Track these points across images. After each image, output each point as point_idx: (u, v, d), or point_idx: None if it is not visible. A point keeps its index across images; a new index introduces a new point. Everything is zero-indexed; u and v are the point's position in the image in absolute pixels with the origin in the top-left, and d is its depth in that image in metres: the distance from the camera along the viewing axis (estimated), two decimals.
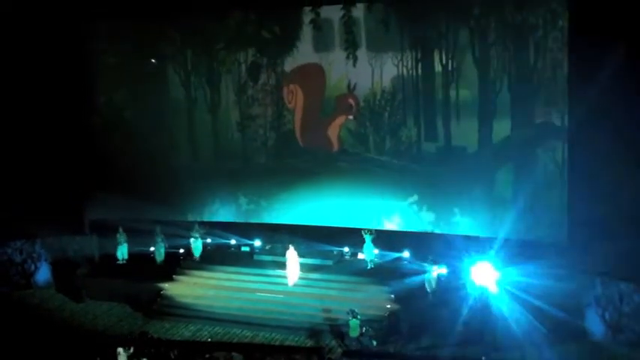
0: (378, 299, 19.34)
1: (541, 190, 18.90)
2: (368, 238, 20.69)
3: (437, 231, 20.57)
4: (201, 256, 22.32)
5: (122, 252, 22.40)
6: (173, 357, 16.41)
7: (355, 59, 20.76)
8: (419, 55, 20.24)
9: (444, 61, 19.90)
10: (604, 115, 16.82)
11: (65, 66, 22.50)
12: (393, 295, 19.23)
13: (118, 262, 22.38)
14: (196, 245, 22.24)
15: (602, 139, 17.05)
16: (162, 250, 22.31)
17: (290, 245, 20.45)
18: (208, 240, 22.84)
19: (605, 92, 16.62)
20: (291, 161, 22.39)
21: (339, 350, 17.20)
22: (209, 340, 18.44)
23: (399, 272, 19.93)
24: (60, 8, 22.12)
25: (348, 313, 17.91)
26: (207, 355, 16.54)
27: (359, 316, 17.84)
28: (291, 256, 20.27)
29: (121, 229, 22.33)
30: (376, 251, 20.81)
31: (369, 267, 20.62)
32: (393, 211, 21.08)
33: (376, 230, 20.95)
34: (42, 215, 21.82)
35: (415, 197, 20.78)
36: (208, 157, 23.34)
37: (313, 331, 18.54)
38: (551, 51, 18.43)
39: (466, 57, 19.62)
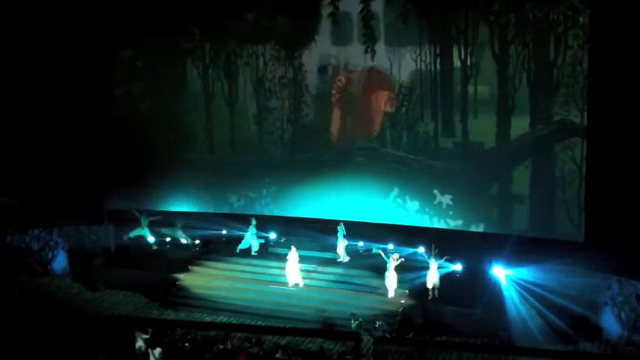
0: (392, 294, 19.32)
1: (559, 188, 18.80)
2: (340, 230, 20.76)
3: (451, 227, 20.51)
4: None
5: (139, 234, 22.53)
6: (186, 346, 16.51)
7: (373, 53, 20.79)
8: (437, 50, 20.19)
9: (462, 57, 19.83)
10: (623, 113, 16.64)
11: (83, 59, 22.65)
12: (407, 290, 19.21)
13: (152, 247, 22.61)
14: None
15: (621, 137, 16.90)
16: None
17: (292, 246, 20.47)
18: (224, 232, 22.91)
19: (625, 90, 16.46)
20: (307, 155, 22.42)
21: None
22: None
23: (414, 267, 19.83)
24: (78, 2, 22.31)
25: (350, 317, 17.94)
26: (221, 346, 16.61)
27: (360, 319, 17.87)
28: (292, 257, 20.22)
29: (145, 215, 22.46)
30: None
31: (338, 260, 20.77)
32: (405, 207, 21.07)
33: (396, 225, 21.07)
34: (60, 205, 22.04)
35: (428, 194, 20.76)
36: (225, 149, 23.42)
37: (326, 324, 18.55)
38: (571, 48, 18.27)
39: (485, 52, 19.53)
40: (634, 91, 16.49)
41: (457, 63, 19.94)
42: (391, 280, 19.01)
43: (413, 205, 20.93)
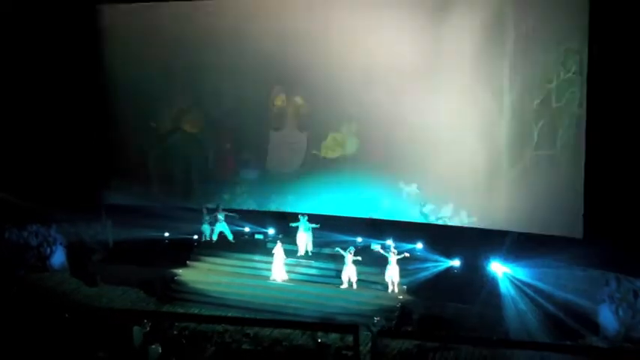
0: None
1: (557, 185, 18.77)
2: (303, 220, 20.97)
3: (450, 223, 20.54)
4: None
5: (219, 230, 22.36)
6: (184, 341, 16.53)
7: None
8: None
9: None
10: (622, 111, 16.62)
11: (82, 55, 22.64)
12: (405, 286, 19.24)
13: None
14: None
15: (620, 134, 16.87)
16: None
17: (278, 240, 20.69)
18: None
19: (625, 89, 16.43)
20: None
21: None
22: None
23: (412, 263, 19.84)
24: None
25: None
26: (218, 340, 16.65)
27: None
28: (278, 251, 20.38)
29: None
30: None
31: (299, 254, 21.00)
32: (404, 202, 21.13)
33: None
34: (58, 200, 21.99)
35: (423, 189, 20.92)
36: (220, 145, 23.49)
37: (325, 319, 18.56)
38: (569, 47, 18.30)
39: None
40: (633, 90, 16.46)
41: None
42: (348, 273, 19.37)
43: (438, 207, 21.04)
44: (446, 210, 20.40)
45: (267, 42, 21.78)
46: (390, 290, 19.04)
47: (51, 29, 22.14)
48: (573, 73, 18.29)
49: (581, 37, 17.99)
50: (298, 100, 22.13)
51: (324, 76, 21.36)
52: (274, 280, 20.29)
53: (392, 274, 18.97)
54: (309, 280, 20.35)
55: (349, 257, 19.32)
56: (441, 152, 20.26)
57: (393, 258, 18.96)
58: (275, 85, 22.25)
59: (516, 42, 18.85)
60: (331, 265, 20.40)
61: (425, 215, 20.84)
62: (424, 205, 20.73)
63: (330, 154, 21.98)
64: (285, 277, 20.31)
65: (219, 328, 17.63)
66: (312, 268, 20.65)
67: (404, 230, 20.87)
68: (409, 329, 17.99)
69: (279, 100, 22.33)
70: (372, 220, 21.48)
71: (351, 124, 21.59)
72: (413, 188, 20.84)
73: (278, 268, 20.29)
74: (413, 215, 20.95)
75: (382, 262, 19.36)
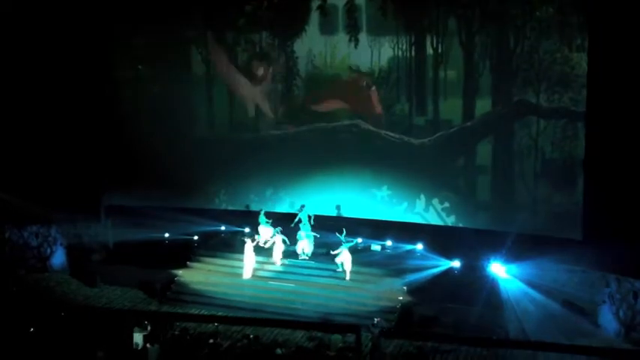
0: (390, 290, 19.32)
1: (557, 186, 18.77)
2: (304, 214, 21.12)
3: (450, 224, 20.56)
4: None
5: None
6: (183, 342, 16.54)
7: (356, 42, 21.85)
8: (412, 39, 21.46)
9: (434, 45, 21.03)
10: (622, 113, 16.52)
11: (82, 54, 22.50)
12: (405, 287, 19.23)
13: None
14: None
15: (620, 135, 16.76)
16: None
17: (249, 239, 20.85)
18: (222, 227, 22.90)
19: (625, 90, 16.34)
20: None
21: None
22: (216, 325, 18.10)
23: (412, 264, 19.84)
24: None
25: None
26: (217, 339, 16.67)
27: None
28: (248, 248, 20.48)
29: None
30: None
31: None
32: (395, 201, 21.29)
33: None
34: (58, 201, 21.95)
35: (421, 190, 21.27)
36: (224, 129, 23.97)
37: (325, 320, 18.57)
38: (528, 38, 18.80)
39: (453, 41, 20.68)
40: (632, 92, 16.39)
41: (429, 51, 21.08)
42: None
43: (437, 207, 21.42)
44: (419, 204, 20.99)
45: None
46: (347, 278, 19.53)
47: (55, 31, 21.99)
48: (573, 73, 18.25)
49: (582, 36, 18.00)
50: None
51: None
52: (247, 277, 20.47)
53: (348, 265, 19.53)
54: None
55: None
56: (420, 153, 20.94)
57: (345, 252, 19.53)
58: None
59: (516, 41, 18.89)
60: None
61: (404, 213, 21.20)
62: (399, 205, 21.12)
63: None
64: (249, 274, 20.48)
65: (220, 328, 17.68)
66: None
67: (404, 231, 20.85)
68: (409, 330, 18.00)
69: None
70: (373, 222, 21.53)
71: None
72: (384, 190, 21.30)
73: (248, 266, 20.43)
74: (394, 215, 21.31)
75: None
